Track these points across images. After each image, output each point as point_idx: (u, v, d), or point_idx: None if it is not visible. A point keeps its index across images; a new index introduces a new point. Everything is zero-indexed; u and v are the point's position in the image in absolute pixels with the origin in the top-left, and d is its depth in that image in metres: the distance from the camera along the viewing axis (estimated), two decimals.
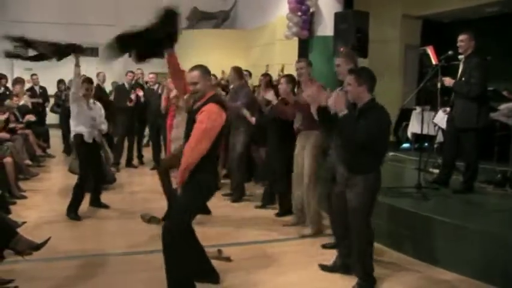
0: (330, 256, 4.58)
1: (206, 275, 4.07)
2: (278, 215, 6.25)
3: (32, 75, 11.81)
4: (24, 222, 5.35)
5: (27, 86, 11.71)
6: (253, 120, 6.76)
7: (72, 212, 5.94)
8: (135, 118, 9.47)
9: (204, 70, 3.84)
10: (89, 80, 6.23)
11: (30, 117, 9.43)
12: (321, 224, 5.53)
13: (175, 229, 3.65)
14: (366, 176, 3.94)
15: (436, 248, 4.68)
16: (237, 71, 7.13)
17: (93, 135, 6.14)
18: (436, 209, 5.13)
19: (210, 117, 3.63)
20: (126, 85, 9.60)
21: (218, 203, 6.31)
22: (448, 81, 5.81)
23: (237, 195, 7.01)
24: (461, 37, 5.72)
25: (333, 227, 4.64)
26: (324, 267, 4.48)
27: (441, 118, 6.88)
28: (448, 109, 6.27)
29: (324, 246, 5.10)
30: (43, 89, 11.77)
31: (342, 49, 7.55)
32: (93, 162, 6.21)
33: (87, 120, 6.06)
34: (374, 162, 3.99)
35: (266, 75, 7.60)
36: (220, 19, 14.93)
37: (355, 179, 3.97)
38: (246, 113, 6.76)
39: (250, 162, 7.61)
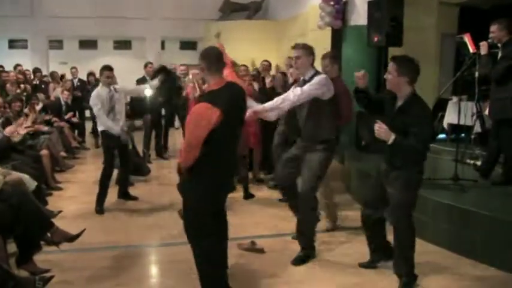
0: (357, 248, 4.47)
1: None
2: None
3: (72, 68, 11.84)
4: (60, 212, 5.50)
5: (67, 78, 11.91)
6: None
7: (98, 205, 5.98)
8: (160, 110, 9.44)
9: (203, 53, 3.33)
10: (109, 68, 6.04)
11: (72, 117, 9.91)
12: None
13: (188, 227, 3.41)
14: (408, 170, 3.72)
15: (474, 241, 4.54)
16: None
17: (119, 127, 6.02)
18: (474, 201, 4.96)
19: (194, 123, 3.15)
20: (147, 77, 9.25)
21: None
22: (484, 47, 5.51)
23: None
24: (491, 28, 5.47)
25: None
26: (361, 265, 4.33)
27: None
28: None
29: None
30: (81, 82, 11.65)
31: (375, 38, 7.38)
32: (120, 155, 6.24)
33: (110, 117, 5.96)
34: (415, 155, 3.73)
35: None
36: (252, 10, 14.84)
37: (396, 173, 3.75)
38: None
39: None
